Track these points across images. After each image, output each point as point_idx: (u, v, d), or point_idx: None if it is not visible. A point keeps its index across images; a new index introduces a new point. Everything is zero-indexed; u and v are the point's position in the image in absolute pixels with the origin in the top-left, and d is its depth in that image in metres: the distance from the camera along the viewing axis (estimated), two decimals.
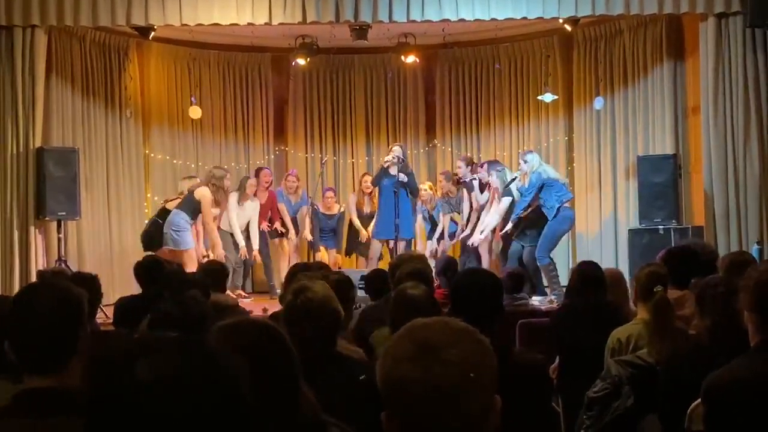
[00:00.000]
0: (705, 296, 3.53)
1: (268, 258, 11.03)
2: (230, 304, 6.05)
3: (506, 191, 9.75)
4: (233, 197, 10.45)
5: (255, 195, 10.69)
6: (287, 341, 2.36)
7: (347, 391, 2.88)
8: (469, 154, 11.41)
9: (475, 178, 10.39)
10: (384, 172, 10.48)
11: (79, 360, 2.43)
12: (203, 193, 9.31)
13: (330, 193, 11.27)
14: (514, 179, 9.75)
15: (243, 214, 10.53)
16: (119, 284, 10.38)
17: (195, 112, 11.23)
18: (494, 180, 9.97)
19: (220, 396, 1.29)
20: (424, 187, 11.02)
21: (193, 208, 9.35)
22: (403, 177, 10.26)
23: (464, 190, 10.67)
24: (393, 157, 10.33)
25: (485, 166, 10.31)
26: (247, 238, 10.51)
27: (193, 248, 9.35)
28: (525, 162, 9.60)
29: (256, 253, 10.61)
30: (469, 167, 10.58)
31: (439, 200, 10.86)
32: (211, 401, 1.28)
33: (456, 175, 10.83)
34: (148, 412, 1.25)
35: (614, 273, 5.73)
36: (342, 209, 11.30)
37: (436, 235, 10.88)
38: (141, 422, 1.25)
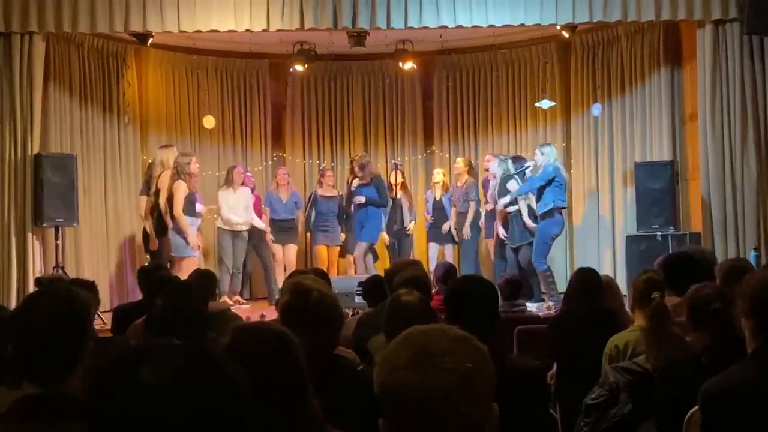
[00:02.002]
0: (699, 312, 3.52)
1: (269, 263, 11.05)
2: (221, 309, 6.06)
3: (507, 179, 9.91)
4: (223, 192, 10.54)
5: (243, 183, 10.80)
6: (299, 348, 2.36)
7: (349, 395, 2.87)
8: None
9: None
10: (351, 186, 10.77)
11: (80, 368, 2.43)
12: (177, 187, 9.34)
13: (329, 172, 11.35)
14: (528, 167, 9.81)
15: (237, 203, 10.63)
16: (117, 291, 10.41)
17: (209, 122, 11.26)
18: (494, 167, 10.04)
19: (222, 402, 1.29)
20: (438, 170, 11.23)
21: (186, 207, 9.43)
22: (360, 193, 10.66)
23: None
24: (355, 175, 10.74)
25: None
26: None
27: (192, 256, 9.38)
28: (542, 154, 9.68)
29: (267, 230, 10.87)
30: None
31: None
32: (213, 407, 1.28)
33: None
34: (150, 418, 1.25)
35: (607, 280, 5.72)
36: (341, 193, 11.38)
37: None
38: (142, 428, 1.25)
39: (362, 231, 10.68)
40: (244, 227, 10.65)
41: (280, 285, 10.76)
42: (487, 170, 10.81)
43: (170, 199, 9.35)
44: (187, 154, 9.77)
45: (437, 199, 10.99)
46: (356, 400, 2.79)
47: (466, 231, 10.57)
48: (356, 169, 10.80)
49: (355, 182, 10.78)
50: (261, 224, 10.83)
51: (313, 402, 2.40)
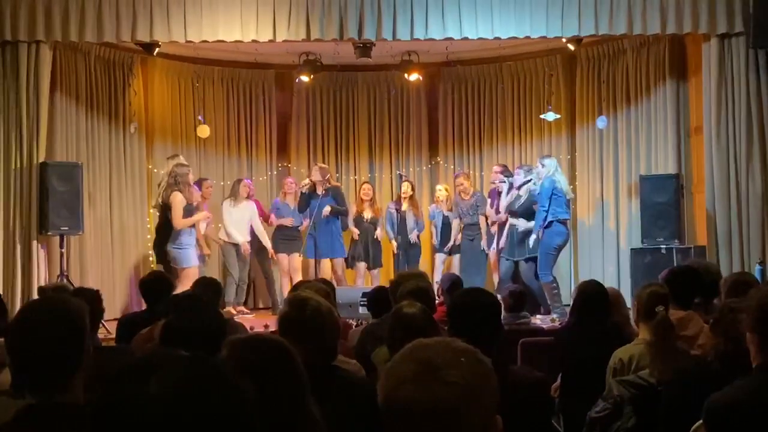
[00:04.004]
0: (720, 319, 3.50)
1: (270, 273, 11.06)
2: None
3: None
4: (227, 204, 10.58)
5: (249, 197, 10.83)
6: (297, 358, 2.36)
7: (346, 406, 2.86)
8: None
9: (504, 181, 10.39)
10: (310, 194, 10.71)
11: (80, 376, 2.43)
12: (173, 199, 9.32)
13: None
14: (529, 180, 9.80)
15: (241, 217, 10.66)
16: (121, 299, 10.41)
17: (203, 131, 11.29)
18: (520, 179, 10.03)
19: (228, 415, 1.29)
20: (440, 187, 11.21)
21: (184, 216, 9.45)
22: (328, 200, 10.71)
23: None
24: (310, 180, 10.71)
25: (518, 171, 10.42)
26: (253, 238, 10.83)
27: (193, 266, 9.38)
28: (543, 166, 9.66)
29: (269, 246, 10.87)
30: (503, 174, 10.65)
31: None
32: (219, 419, 1.28)
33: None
34: (156, 429, 1.25)
35: (612, 293, 5.71)
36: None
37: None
38: None
39: (337, 246, 10.87)
40: (242, 240, 10.63)
41: (286, 295, 10.81)
42: (493, 183, 10.81)
43: (168, 211, 9.35)
44: (184, 165, 9.76)
45: (445, 214, 11.00)
46: (354, 410, 2.79)
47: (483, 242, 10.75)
48: (317, 174, 10.80)
49: (306, 182, 10.77)
50: (267, 242, 10.84)
51: (313, 411, 2.40)
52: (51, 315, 2.49)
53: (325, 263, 10.92)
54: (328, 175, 10.93)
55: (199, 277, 7.64)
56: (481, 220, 10.75)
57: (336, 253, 10.92)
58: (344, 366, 3.54)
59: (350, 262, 11.23)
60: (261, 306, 11.66)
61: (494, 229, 10.61)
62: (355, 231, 11.03)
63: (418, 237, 11.02)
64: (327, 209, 10.63)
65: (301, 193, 10.78)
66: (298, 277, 10.28)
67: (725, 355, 3.30)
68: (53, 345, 2.43)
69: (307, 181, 10.79)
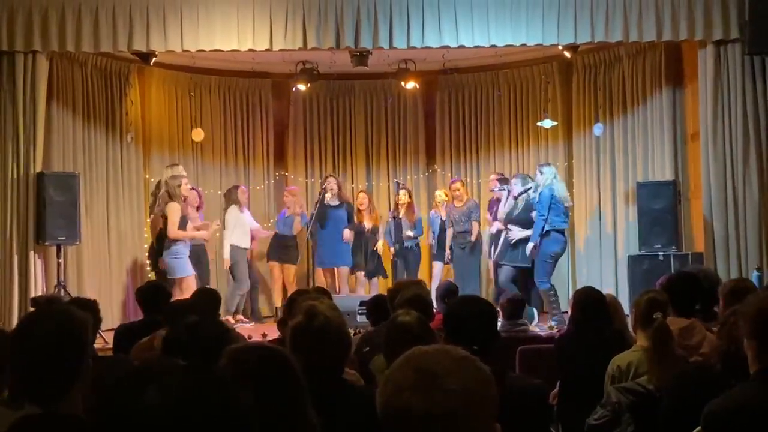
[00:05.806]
0: (724, 322, 3.49)
1: (256, 282, 11.11)
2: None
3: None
4: (233, 211, 10.59)
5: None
6: (295, 367, 2.36)
7: (355, 419, 2.85)
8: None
9: (503, 189, 10.37)
10: (326, 204, 10.81)
11: (80, 387, 2.42)
12: (170, 209, 9.42)
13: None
14: (528, 189, 9.78)
15: (248, 223, 10.82)
16: (118, 309, 10.39)
17: (197, 134, 11.31)
18: (518, 188, 10.02)
19: (226, 424, 1.29)
20: (439, 192, 11.25)
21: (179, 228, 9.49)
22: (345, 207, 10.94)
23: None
24: (332, 189, 10.86)
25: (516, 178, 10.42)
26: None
27: (189, 276, 9.39)
28: (541, 174, 9.66)
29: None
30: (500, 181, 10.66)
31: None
32: (217, 426, 1.28)
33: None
34: None
35: (610, 299, 5.70)
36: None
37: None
38: None
39: (344, 254, 10.98)
40: (227, 257, 10.68)
41: (277, 303, 10.89)
42: (492, 191, 10.81)
43: (164, 221, 9.40)
44: (178, 176, 9.77)
45: (443, 219, 11.01)
46: (358, 423, 2.78)
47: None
48: (334, 185, 10.92)
49: (328, 197, 10.88)
50: (264, 232, 11.10)
51: (312, 418, 2.39)
52: (54, 325, 2.48)
53: (328, 272, 10.99)
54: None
55: (198, 288, 7.65)
56: (474, 227, 10.73)
57: (342, 261, 10.96)
58: (347, 377, 3.53)
59: (351, 271, 11.27)
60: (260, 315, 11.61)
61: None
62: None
63: (413, 237, 11.01)
64: (348, 234, 10.87)
65: (319, 205, 10.82)
66: (293, 288, 10.27)
67: (727, 355, 3.30)
68: (54, 355, 2.42)
69: (330, 194, 10.86)
